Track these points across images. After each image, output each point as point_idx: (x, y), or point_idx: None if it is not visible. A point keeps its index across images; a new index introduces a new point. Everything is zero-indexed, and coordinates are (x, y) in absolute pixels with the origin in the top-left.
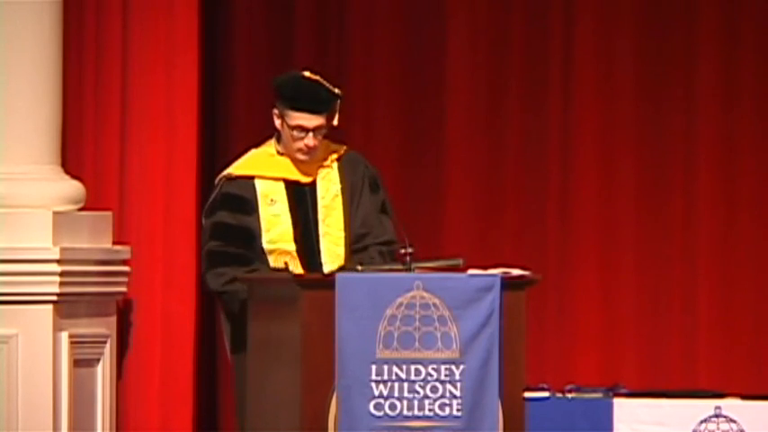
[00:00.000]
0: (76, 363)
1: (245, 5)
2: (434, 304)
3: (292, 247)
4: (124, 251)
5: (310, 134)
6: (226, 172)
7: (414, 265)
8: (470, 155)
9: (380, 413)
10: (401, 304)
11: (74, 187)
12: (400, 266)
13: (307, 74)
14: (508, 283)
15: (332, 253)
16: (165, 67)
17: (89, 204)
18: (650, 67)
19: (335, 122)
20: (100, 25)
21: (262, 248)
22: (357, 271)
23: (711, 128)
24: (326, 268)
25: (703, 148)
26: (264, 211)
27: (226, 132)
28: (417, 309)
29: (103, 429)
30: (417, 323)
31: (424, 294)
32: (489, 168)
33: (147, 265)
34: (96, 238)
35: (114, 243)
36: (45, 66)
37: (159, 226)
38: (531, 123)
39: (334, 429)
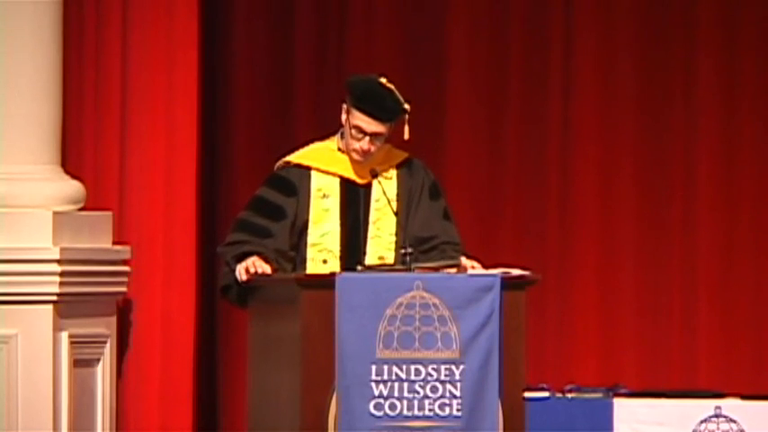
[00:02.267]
0: (76, 363)
1: (245, 5)
2: (434, 304)
3: (336, 245)
4: (124, 251)
5: (367, 138)
6: (285, 159)
7: (414, 265)
8: (470, 155)
9: (380, 413)
10: (401, 304)
11: (74, 187)
12: (400, 267)
13: (383, 80)
14: (508, 283)
15: (378, 256)
16: (165, 67)
17: (89, 204)
18: (650, 67)
19: (406, 136)
20: (100, 25)
21: (305, 241)
22: (357, 271)
23: (711, 129)
24: None
25: (703, 148)
26: (315, 204)
27: (226, 132)
28: (417, 309)
29: (103, 429)
30: (417, 323)
31: (424, 294)
32: (489, 168)
33: (147, 265)
34: (96, 238)
35: (114, 243)
36: (45, 66)
37: (159, 226)
38: (531, 124)
39: (334, 429)
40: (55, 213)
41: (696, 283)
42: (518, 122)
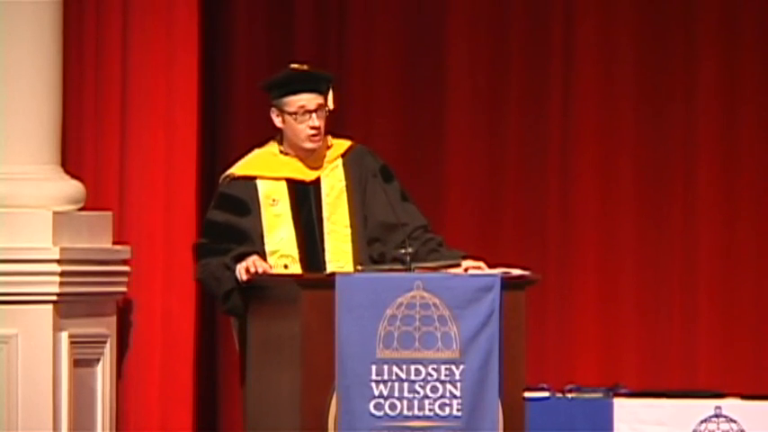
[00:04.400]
0: (76, 363)
1: (246, 5)
2: (434, 304)
3: (294, 248)
4: (124, 251)
5: (314, 115)
6: (228, 172)
7: (414, 265)
8: (470, 155)
9: (380, 413)
10: (401, 304)
11: (74, 187)
12: (400, 267)
13: (294, 65)
14: (508, 283)
15: (338, 250)
16: (165, 67)
17: (89, 204)
18: (650, 67)
19: (331, 106)
20: (100, 25)
21: (263, 250)
22: (357, 271)
23: (711, 129)
24: (330, 267)
25: (703, 149)
26: (266, 212)
27: (226, 132)
28: (417, 309)
29: (103, 429)
30: (417, 323)
31: (424, 294)
32: (489, 168)
33: (147, 265)
34: (96, 238)
35: (114, 243)
36: (45, 66)
37: (159, 226)
38: (531, 124)
39: (334, 429)
40: (55, 213)
41: (696, 283)
42: (518, 123)
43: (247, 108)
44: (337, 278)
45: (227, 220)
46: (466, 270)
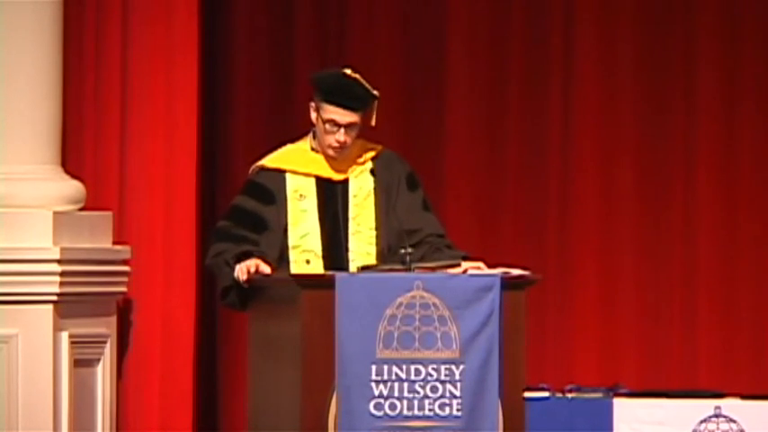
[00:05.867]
0: (76, 363)
1: (245, 5)
2: (434, 304)
3: (318, 245)
4: (124, 251)
5: (342, 130)
6: (258, 163)
7: (414, 265)
8: (470, 155)
9: (380, 413)
10: (401, 304)
11: (74, 187)
12: (400, 267)
13: (347, 71)
14: (508, 283)
15: (362, 251)
16: (165, 67)
17: (89, 204)
18: (650, 67)
19: (373, 123)
20: (100, 25)
21: (284, 243)
22: (357, 271)
23: (711, 128)
24: (353, 267)
25: (703, 148)
26: (293, 206)
27: (226, 132)
28: (417, 309)
29: (103, 429)
30: (417, 323)
31: (424, 294)
32: (489, 168)
33: (147, 265)
34: (96, 238)
35: (114, 243)
36: (45, 66)
37: (159, 226)
38: (531, 124)
39: (334, 429)
40: (55, 213)
41: (696, 283)
42: (518, 122)
43: (247, 108)
44: (337, 278)
45: (251, 206)
46: (465, 270)
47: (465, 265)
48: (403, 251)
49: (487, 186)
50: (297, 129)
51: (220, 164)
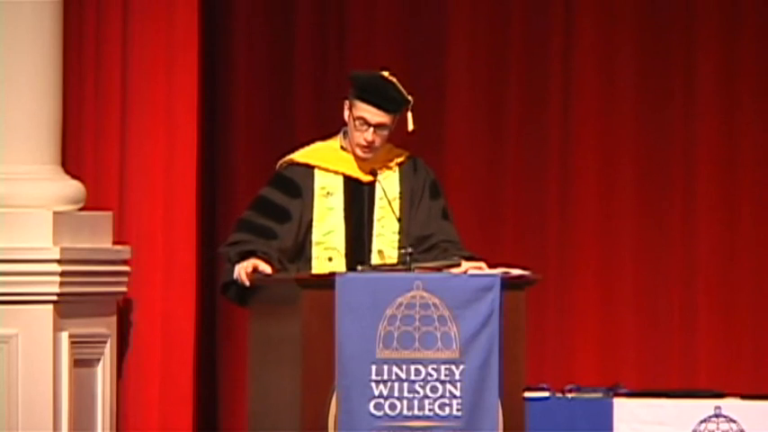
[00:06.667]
0: (76, 363)
1: (245, 5)
2: (434, 304)
3: (341, 242)
4: (124, 251)
5: (371, 129)
6: (288, 157)
7: (414, 265)
8: (470, 155)
9: (380, 413)
10: (401, 304)
11: (74, 187)
12: (400, 267)
13: (385, 73)
14: (508, 283)
15: (383, 255)
16: (165, 67)
17: (89, 204)
18: (650, 68)
19: (410, 127)
20: (100, 25)
21: (310, 240)
22: (357, 271)
23: (711, 129)
24: None
25: (703, 149)
26: (319, 202)
27: (226, 132)
28: (417, 309)
29: (103, 429)
30: (417, 323)
31: (424, 294)
32: (489, 168)
33: (147, 265)
34: (96, 238)
35: (114, 243)
36: (45, 66)
37: (159, 226)
38: (531, 124)
39: (334, 429)
40: (55, 213)
41: (696, 283)
42: (518, 122)
43: (247, 108)
44: (337, 278)
45: (277, 197)
46: (465, 270)
47: (465, 264)
48: (403, 251)
49: (487, 186)
50: (296, 128)
51: (220, 164)
